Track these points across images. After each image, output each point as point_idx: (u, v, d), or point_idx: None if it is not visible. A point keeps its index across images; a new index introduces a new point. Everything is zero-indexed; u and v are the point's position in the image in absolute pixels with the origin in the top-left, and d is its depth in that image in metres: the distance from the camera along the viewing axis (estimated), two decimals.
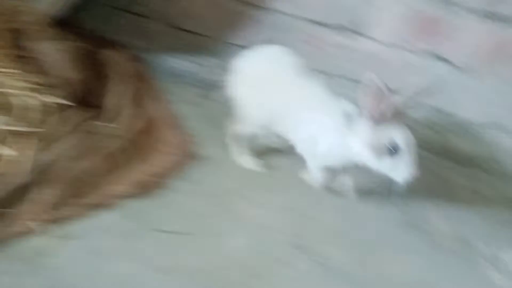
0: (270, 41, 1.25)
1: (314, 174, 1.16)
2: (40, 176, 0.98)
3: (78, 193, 1.01)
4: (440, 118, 1.45)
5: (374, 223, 1.13)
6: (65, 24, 1.34)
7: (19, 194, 0.93)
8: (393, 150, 0.99)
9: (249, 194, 1.12)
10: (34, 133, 1.04)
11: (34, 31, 1.30)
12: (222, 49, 1.52)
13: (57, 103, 1.14)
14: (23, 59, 1.24)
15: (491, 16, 1.31)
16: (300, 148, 1.14)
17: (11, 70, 1.18)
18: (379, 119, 0.99)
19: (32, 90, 1.15)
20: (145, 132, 1.22)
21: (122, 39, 1.55)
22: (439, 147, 1.43)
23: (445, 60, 1.40)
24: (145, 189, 1.06)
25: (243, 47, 1.35)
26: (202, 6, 1.52)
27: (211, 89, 1.44)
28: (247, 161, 1.22)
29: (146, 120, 1.26)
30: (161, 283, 0.85)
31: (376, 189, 1.17)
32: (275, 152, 1.28)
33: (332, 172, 1.15)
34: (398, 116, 1.00)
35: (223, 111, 1.24)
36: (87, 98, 1.24)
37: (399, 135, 1.00)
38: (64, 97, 1.15)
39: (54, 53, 1.27)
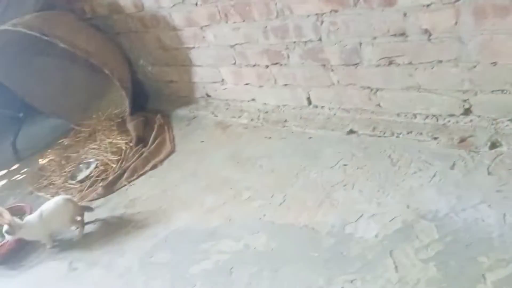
0: None
1: None
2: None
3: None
4: None
5: None
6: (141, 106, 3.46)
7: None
8: None
9: None
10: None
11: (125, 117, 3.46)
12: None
13: (129, 146, 3.23)
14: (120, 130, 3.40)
15: None
16: None
17: (117, 136, 3.36)
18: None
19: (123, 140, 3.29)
20: (159, 144, 3.19)
21: (161, 107, 3.58)
22: None
23: None
24: (158, 165, 3.03)
25: None
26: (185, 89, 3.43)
27: (190, 122, 3.33)
28: None
29: (161, 140, 3.23)
30: None
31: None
32: None
33: None
34: None
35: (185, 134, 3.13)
36: (142, 140, 3.30)
37: None
38: (131, 143, 3.24)
39: (129, 124, 3.39)
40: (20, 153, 3.86)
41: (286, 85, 2.78)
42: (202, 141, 3.06)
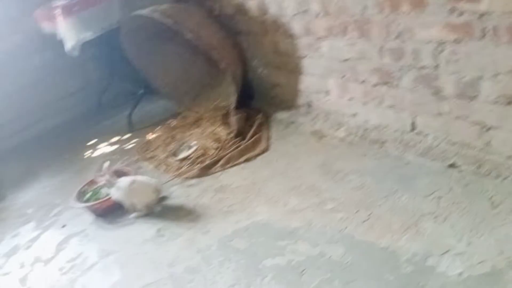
0: None
1: None
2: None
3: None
4: None
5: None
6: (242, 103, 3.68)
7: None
8: None
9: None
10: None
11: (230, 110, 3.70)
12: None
13: (229, 136, 3.44)
14: (224, 121, 3.64)
15: None
16: None
17: (220, 125, 3.60)
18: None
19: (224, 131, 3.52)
20: (256, 140, 3.34)
21: (263, 108, 3.76)
22: None
23: None
24: (251, 159, 3.18)
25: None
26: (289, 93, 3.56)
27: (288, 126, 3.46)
28: None
29: (258, 137, 3.39)
30: None
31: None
32: None
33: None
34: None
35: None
36: (241, 134, 3.49)
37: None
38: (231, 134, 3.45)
39: (232, 118, 3.61)
40: (134, 125, 4.31)
41: (391, 106, 2.76)
42: (296, 146, 3.15)
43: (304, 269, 2.04)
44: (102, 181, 2.85)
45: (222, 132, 3.55)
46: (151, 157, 3.61)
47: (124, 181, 2.83)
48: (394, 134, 2.79)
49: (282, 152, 3.14)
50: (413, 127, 2.69)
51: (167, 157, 3.51)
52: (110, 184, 2.84)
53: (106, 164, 2.87)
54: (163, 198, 2.93)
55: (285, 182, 2.76)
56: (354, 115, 3.06)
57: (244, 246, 2.31)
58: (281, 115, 3.63)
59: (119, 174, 2.97)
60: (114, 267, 2.48)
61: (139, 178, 2.84)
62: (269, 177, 2.88)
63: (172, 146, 3.64)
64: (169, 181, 3.18)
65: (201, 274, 2.21)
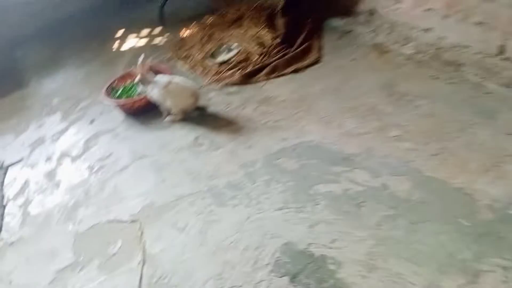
0: None
1: None
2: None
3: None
4: None
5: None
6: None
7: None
8: None
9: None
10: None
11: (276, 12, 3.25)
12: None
13: (274, 42, 3.05)
14: (269, 23, 3.21)
15: None
16: None
17: (264, 28, 3.19)
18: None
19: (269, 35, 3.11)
20: (305, 49, 2.96)
21: (315, 11, 3.29)
22: None
23: None
24: (300, 71, 2.83)
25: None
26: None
27: (343, 36, 3.03)
28: None
29: (308, 46, 2.99)
30: None
31: None
32: None
33: None
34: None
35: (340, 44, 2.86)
36: (288, 40, 3.09)
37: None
38: (277, 39, 3.05)
39: (279, 20, 3.18)
40: (166, 19, 3.89)
41: (479, 23, 2.31)
42: (353, 60, 2.77)
43: (362, 201, 1.83)
44: (137, 76, 2.56)
45: (266, 36, 3.15)
46: (186, 57, 3.27)
47: (161, 80, 2.54)
48: (475, 57, 2.38)
49: (336, 66, 2.77)
50: (501, 51, 2.28)
51: (204, 58, 3.16)
52: (145, 81, 2.56)
53: (142, 57, 2.55)
54: (201, 104, 2.66)
55: (339, 101, 2.45)
56: (428, 30, 2.61)
57: (293, 167, 2.09)
58: (336, 22, 3.18)
59: (155, 71, 2.67)
60: (148, 172, 2.30)
61: (177, 79, 2.54)
62: (320, 94, 2.55)
63: (209, 46, 3.27)
64: (207, 85, 2.89)
65: (244, 192, 2.02)
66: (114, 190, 2.26)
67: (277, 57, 2.92)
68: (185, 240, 1.87)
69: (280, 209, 1.89)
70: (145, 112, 2.74)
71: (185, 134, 2.51)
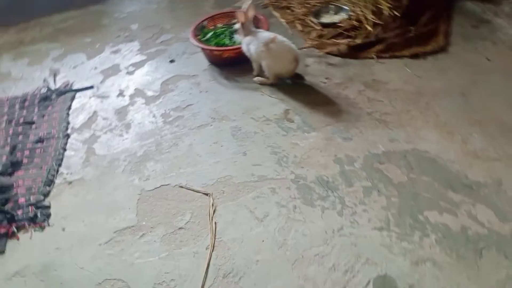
0: None
1: None
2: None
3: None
4: None
5: None
6: None
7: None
8: None
9: None
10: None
11: None
12: None
13: (393, 14, 2.58)
14: None
15: None
16: None
17: None
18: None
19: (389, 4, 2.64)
20: (430, 32, 2.49)
21: None
22: None
23: None
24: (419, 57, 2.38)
25: None
26: None
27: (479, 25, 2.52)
28: None
29: (433, 28, 2.52)
30: None
31: None
32: None
33: None
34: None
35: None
36: (410, 16, 2.62)
37: None
38: (397, 11, 2.58)
39: None
40: None
41: None
42: (489, 60, 2.30)
43: (484, 248, 1.49)
44: (237, 23, 2.22)
45: (384, 4, 2.67)
46: (285, 8, 2.87)
47: (263, 34, 2.19)
48: None
49: (464, 61, 2.32)
50: None
51: (306, 14, 2.76)
52: (244, 31, 2.22)
53: (249, 1, 2.19)
54: (299, 77, 2.31)
55: (465, 108, 2.04)
56: None
57: (400, 179, 1.75)
58: (471, 7, 2.66)
59: (255, 21, 2.31)
60: (228, 138, 2.04)
61: (280, 38, 2.18)
62: (442, 92, 2.14)
63: (314, 1, 2.84)
64: (305, 48, 2.51)
65: (338, 194, 1.72)
66: (189, 150, 2.01)
67: (394, 33, 2.48)
68: (262, 235, 1.62)
69: (380, 229, 1.59)
70: (233, 64, 2.42)
71: (274, 103, 2.19)
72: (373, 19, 2.55)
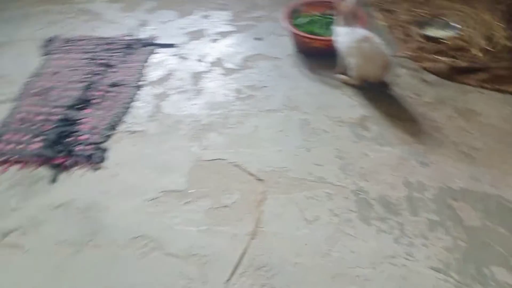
0: None
1: None
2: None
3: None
4: None
5: None
6: None
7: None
8: None
9: None
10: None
11: None
12: None
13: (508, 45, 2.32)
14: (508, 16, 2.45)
15: None
16: None
17: (500, 19, 2.44)
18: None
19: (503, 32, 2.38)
20: None
21: None
22: None
23: None
24: None
25: None
26: None
27: None
28: None
29: None
30: None
31: None
32: None
33: None
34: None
35: None
36: None
37: None
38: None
39: None
40: None
41: None
42: None
43: None
44: (337, 13, 2.10)
45: (499, 31, 2.41)
46: (388, 11, 2.68)
47: (358, 31, 2.05)
48: None
49: None
50: None
51: (409, 22, 2.56)
52: (343, 23, 2.09)
53: None
54: (385, 82, 2.15)
55: None
56: None
57: (473, 223, 1.56)
58: None
59: (355, 17, 2.17)
60: (294, 130, 1.94)
61: (376, 39, 2.02)
62: None
63: (422, 11, 2.63)
64: (400, 56, 2.33)
65: (398, 220, 1.57)
66: (254, 131, 1.94)
67: (503, 65, 2.22)
68: (307, 237, 1.52)
69: (437, 270, 1.42)
70: (320, 55, 2.30)
71: (352, 106, 2.05)
72: (484, 43, 2.30)
